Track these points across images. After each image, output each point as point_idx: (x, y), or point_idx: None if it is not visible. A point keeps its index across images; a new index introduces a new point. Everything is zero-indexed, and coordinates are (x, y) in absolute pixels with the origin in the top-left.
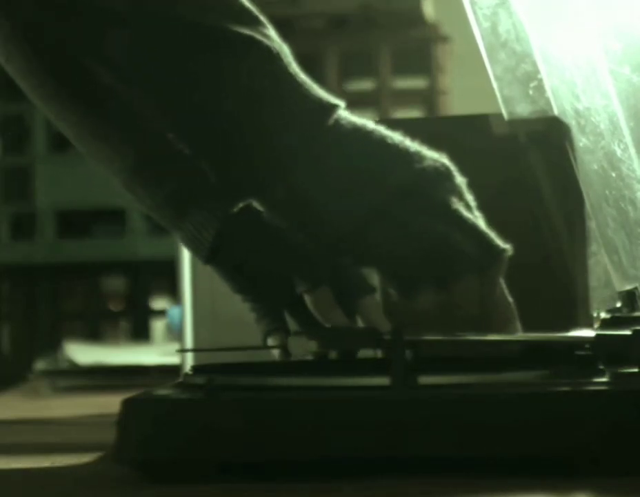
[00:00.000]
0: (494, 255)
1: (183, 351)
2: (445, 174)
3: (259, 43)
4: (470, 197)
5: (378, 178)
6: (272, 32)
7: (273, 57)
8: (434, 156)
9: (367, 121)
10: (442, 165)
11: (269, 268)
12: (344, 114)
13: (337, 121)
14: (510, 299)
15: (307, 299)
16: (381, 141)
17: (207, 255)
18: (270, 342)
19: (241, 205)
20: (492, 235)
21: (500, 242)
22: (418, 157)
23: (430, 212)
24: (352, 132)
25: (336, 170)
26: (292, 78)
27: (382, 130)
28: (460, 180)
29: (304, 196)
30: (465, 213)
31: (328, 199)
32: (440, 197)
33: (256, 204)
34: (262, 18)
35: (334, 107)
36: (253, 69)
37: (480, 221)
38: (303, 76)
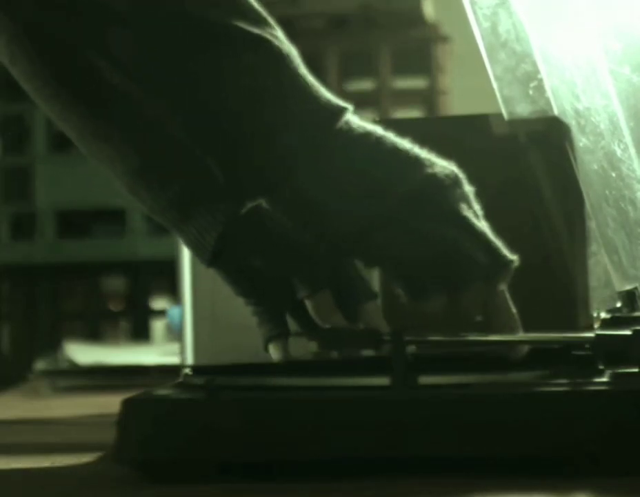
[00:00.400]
0: (501, 264)
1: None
2: (455, 182)
3: (269, 42)
4: (477, 207)
5: (389, 181)
6: (280, 33)
7: (283, 58)
8: (444, 163)
9: (376, 127)
10: (452, 172)
11: (269, 272)
12: (353, 118)
13: (346, 124)
14: (514, 309)
15: (308, 304)
16: (392, 146)
17: (209, 259)
18: (272, 347)
19: (247, 207)
20: (500, 244)
21: (507, 252)
22: (429, 162)
23: (439, 217)
24: (362, 136)
25: (344, 173)
26: (302, 79)
27: (391, 136)
28: (468, 189)
29: (309, 198)
30: (475, 221)
31: (335, 202)
32: (450, 202)
33: (260, 206)
34: (271, 20)
35: (343, 110)
36: (263, 68)
37: (488, 230)
38: (311, 79)
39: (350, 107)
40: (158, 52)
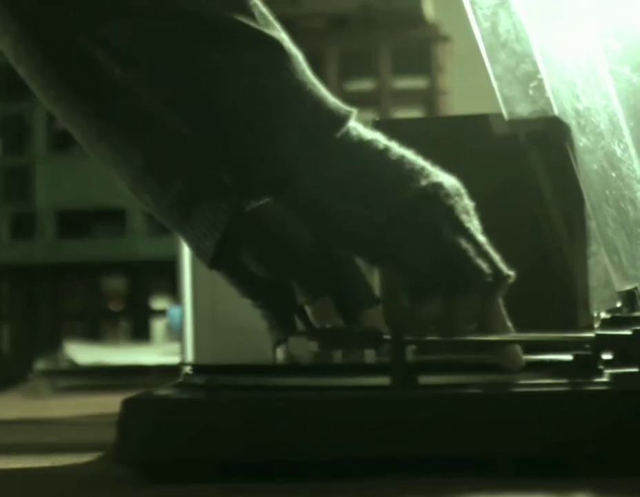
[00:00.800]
0: (501, 277)
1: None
2: (458, 193)
3: (279, 42)
4: (476, 222)
5: (397, 184)
6: (286, 37)
7: (292, 58)
8: (447, 176)
9: (382, 136)
10: (454, 184)
11: (268, 275)
12: (360, 126)
13: (354, 130)
14: (509, 324)
15: (308, 309)
16: (399, 153)
17: (210, 260)
18: (279, 351)
19: (250, 206)
20: (499, 258)
21: (505, 267)
22: (434, 173)
23: (446, 222)
24: (370, 141)
25: (351, 175)
26: (309, 82)
27: (397, 147)
28: (469, 203)
29: (315, 200)
30: (477, 233)
31: (343, 204)
32: (456, 211)
33: (262, 208)
34: (277, 24)
35: (348, 114)
36: (268, 67)
37: (487, 243)
38: (318, 84)
39: (354, 111)
40: (157, 47)
